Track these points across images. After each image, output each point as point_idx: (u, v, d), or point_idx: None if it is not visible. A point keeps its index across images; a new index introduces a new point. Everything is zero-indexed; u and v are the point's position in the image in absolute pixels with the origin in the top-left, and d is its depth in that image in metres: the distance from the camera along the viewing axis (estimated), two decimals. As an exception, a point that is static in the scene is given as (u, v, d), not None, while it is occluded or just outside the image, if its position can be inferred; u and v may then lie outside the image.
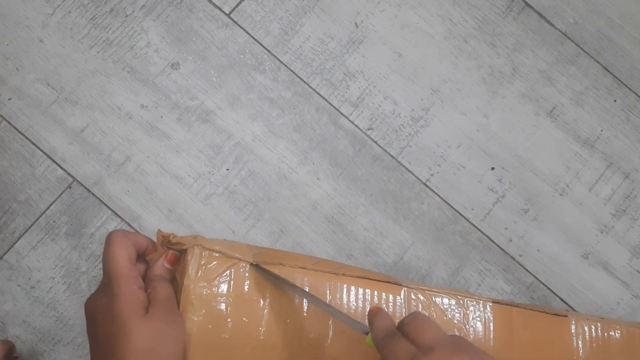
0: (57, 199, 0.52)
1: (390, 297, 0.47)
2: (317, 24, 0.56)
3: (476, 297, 0.49)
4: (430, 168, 0.55)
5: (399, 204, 0.54)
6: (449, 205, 0.54)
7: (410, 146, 0.55)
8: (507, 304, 0.49)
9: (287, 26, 0.56)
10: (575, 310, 0.53)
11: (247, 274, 0.44)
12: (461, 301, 0.48)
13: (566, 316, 0.50)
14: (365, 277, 0.47)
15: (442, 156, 0.55)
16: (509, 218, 0.55)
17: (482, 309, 0.48)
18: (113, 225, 0.52)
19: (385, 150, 0.55)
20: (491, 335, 0.48)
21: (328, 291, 0.45)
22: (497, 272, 0.54)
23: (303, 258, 0.48)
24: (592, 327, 0.50)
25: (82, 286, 0.51)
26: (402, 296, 0.47)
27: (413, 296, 0.47)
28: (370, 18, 0.56)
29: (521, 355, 0.48)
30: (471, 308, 0.48)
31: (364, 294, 0.46)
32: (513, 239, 0.54)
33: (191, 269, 0.42)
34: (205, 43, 0.55)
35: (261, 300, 0.44)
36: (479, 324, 0.48)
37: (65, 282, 0.51)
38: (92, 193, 0.53)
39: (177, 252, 0.43)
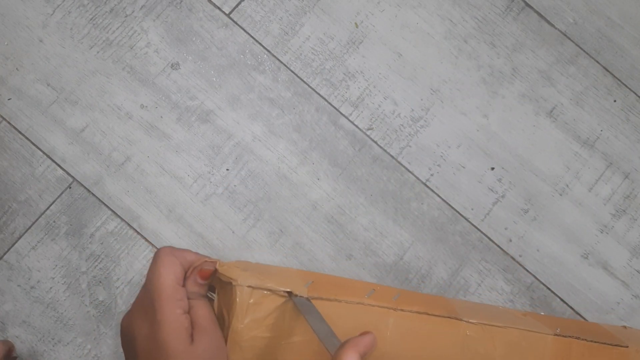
0: (57, 199, 0.52)
1: (450, 332, 0.44)
2: (317, 24, 0.56)
3: (536, 330, 0.47)
4: (430, 168, 0.55)
5: (399, 204, 0.54)
6: (449, 205, 0.55)
7: (410, 146, 0.55)
8: (569, 336, 0.47)
9: (287, 26, 0.56)
10: (628, 328, 0.52)
11: (298, 313, 0.40)
12: (521, 334, 0.46)
13: (627, 347, 0.48)
14: (424, 312, 0.44)
15: (442, 156, 0.55)
16: (509, 218, 0.55)
17: (540, 341, 0.46)
18: (113, 225, 0.52)
19: (385, 150, 0.55)
20: None
21: (387, 328, 0.42)
22: (497, 272, 0.54)
23: (358, 288, 0.45)
24: None
25: (82, 286, 0.51)
26: (461, 331, 0.44)
27: (469, 332, 0.45)
28: (370, 18, 0.56)
29: None
30: (529, 340, 0.46)
31: (424, 332, 0.44)
32: (513, 239, 0.54)
33: (239, 309, 0.39)
34: (205, 43, 0.55)
35: (312, 342, 0.40)
36: (535, 357, 0.46)
37: (65, 282, 0.51)
38: (92, 193, 0.53)
39: (210, 268, 0.40)
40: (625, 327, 0.52)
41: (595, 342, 0.47)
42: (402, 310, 0.43)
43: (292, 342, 0.40)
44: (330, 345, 0.38)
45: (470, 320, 0.45)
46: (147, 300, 0.37)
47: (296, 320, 0.40)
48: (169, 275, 0.37)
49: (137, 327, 0.37)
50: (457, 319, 0.44)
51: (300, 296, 0.40)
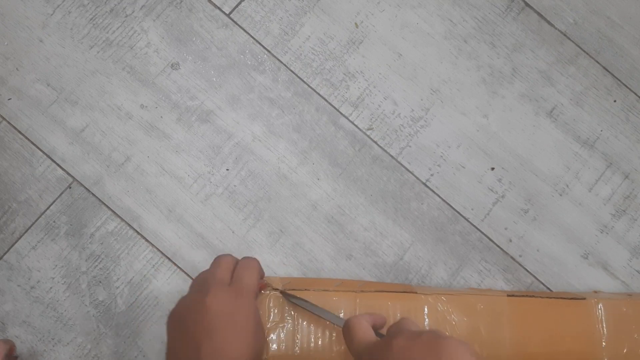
0: (57, 199, 0.52)
1: (410, 304, 0.49)
2: (317, 24, 0.56)
3: (491, 293, 0.50)
4: (430, 168, 0.55)
5: (399, 204, 0.54)
6: (449, 205, 0.54)
7: (410, 146, 0.55)
8: (522, 295, 0.50)
9: (287, 26, 0.56)
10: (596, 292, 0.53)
11: (279, 302, 0.48)
12: (478, 297, 0.49)
13: (584, 298, 0.50)
14: (383, 290, 0.50)
15: (442, 156, 0.55)
16: (509, 218, 0.55)
17: (496, 303, 0.49)
18: (113, 225, 0.52)
19: (385, 151, 0.55)
20: (508, 329, 0.49)
21: (353, 307, 0.48)
22: (497, 272, 0.54)
23: (327, 282, 0.51)
24: (611, 305, 0.50)
25: (82, 286, 0.51)
26: (421, 302, 0.49)
27: (431, 300, 0.49)
28: (370, 18, 0.56)
29: (542, 346, 0.48)
30: (487, 304, 0.49)
31: (385, 307, 0.49)
32: (513, 239, 0.54)
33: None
34: (205, 43, 0.55)
35: (293, 324, 0.48)
36: (496, 319, 0.49)
37: (65, 282, 0.51)
38: (92, 193, 0.53)
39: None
40: (595, 291, 0.53)
41: (549, 297, 0.50)
42: (363, 291, 0.49)
43: (279, 326, 0.48)
44: (336, 321, 0.46)
45: (425, 292, 0.49)
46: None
47: (280, 311, 0.48)
48: (224, 271, 0.45)
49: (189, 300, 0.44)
50: (413, 292, 0.49)
51: (276, 289, 0.48)
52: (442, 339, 0.36)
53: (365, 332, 0.41)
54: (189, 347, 0.40)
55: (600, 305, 0.50)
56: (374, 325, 0.43)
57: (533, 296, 0.50)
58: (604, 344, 0.49)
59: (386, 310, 0.48)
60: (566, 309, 0.50)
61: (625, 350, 0.49)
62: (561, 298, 0.50)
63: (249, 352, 0.41)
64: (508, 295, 0.50)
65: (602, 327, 0.49)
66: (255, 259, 0.46)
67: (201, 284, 0.44)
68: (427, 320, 0.48)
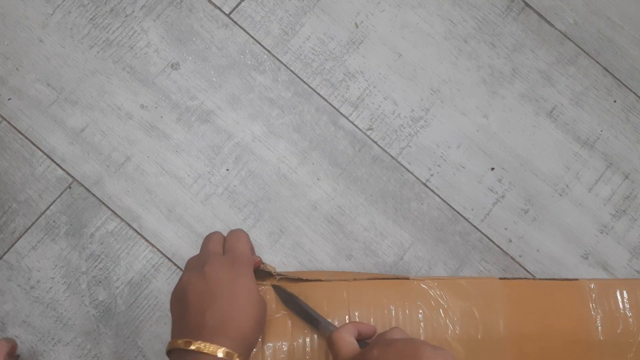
0: (57, 199, 0.52)
1: (404, 290, 0.49)
2: (317, 24, 0.56)
3: (484, 278, 0.51)
4: (430, 168, 0.55)
5: (399, 204, 0.54)
6: (449, 205, 0.54)
7: (410, 146, 0.55)
8: (514, 279, 0.51)
9: (287, 26, 0.56)
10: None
11: (274, 298, 0.49)
12: (470, 281, 0.50)
13: (577, 279, 0.51)
14: (375, 277, 0.50)
15: (442, 156, 0.55)
16: (509, 218, 0.55)
17: (490, 287, 0.50)
18: (113, 225, 0.52)
19: (385, 151, 0.55)
20: (501, 311, 0.49)
21: (345, 295, 0.49)
22: (497, 272, 0.54)
23: (321, 273, 0.51)
24: (604, 285, 0.51)
25: (81, 286, 0.51)
26: (414, 288, 0.50)
27: (424, 285, 0.49)
28: (370, 18, 0.56)
29: (537, 327, 0.49)
30: (480, 288, 0.50)
31: (378, 296, 0.49)
32: (513, 239, 0.54)
33: None
34: (205, 43, 0.55)
35: (289, 322, 0.48)
36: (489, 302, 0.49)
37: (65, 282, 0.51)
38: (92, 193, 0.53)
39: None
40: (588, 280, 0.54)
41: (543, 279, 0.51)
42: (355, 279, 0.50)
43: (274, 317, 0.48)
44: (325, 328, 0.46)
45: (418, 278, 0.50)
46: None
47: (276, 302, 0.49)
48: (216, 244, 0.46)
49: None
50: (405, 278, 0.50)
51: (269, 270, 0.48)
52: (417, 343, 0.38)
53: (348, 345, 0.42)
54: (193, 315, 0.41)
55: (592, 285, 0.51)
56: (360, 334, 0.44)
57: (525, 279, 0.51)
58: (598, 323, 0.50)
59: (380, 300, 0.49)
60: (560, 290, 0.51)
61: (619, 330, 0.50)
62: (554, 279, 0.51)
63: (253, 314, 0.41)
64: (500, 278, 0.51)
65: (596, 307, 0.50)
66: (242, 230, 0.46)
67: (196, 260, 0.44)
68: (420, 304, 0.49)
